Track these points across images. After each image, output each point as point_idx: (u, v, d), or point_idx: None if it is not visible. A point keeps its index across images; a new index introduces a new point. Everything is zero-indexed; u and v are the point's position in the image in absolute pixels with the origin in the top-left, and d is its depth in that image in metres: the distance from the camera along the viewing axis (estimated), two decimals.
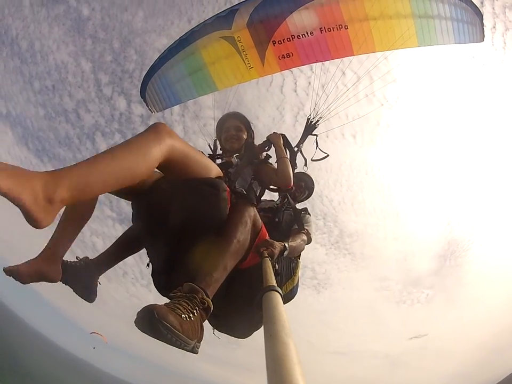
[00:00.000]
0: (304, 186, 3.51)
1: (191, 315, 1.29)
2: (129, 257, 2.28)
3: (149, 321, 1.15)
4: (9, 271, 1.69)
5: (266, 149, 2.90)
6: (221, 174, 1.86)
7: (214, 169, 1.81)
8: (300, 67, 4.38)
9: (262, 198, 2.92)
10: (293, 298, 2.63)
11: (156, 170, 1.55)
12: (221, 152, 3.05)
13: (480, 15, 3.94)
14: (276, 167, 2.71)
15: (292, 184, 2.62)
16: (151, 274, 2.01)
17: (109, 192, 2.02)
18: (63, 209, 1.26)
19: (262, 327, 0.85)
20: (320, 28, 3.87)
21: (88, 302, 2.12)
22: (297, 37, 3.94)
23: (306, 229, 2.77)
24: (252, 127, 3.09)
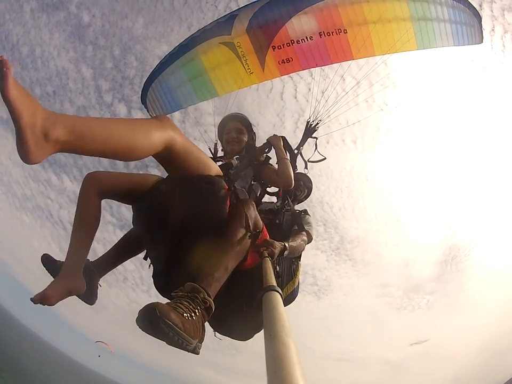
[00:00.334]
0: (303, 185, 3.52)
1: (192, 314, 1.28)
2: (129, 262, 2.28)
3: (151, 319, 1.14)
4: (38, 300, 1.65)
5: (266, 150, 2.92)
6: (221, 173, 1.86)
7: (213, 168, 1.81)
8: (299, 73, 4.40)
9: (262, 200, 2.93)
10: (294, 300, 2.63)
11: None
12: (222, 154, 3.05)
13: (478, 17, 3.96)
14: (276, 168, 2.72)
15: (293, 185, 2.63)
16: (152, 276, 2.01)
17: (110, 198, 2.03)
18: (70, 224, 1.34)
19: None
20: (320, 33, 3.88)
21: (89, 304, 2.11)
22: (297, 42, 3.96)
23: (307, 230, 2.78)
24: (253, 128, 3.10)
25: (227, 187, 1.81)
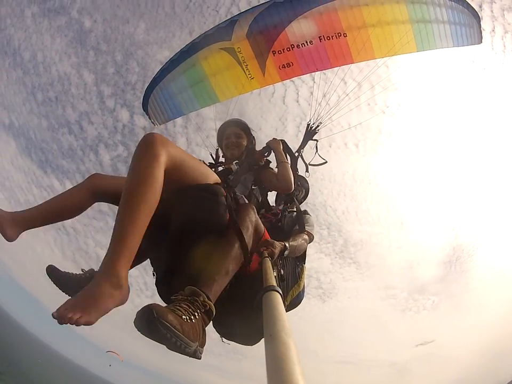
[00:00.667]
0: (300, 185, 3.52)
1: (192, 317, 1.27)
2: (133, 269, 2.28)
3: (148, 320, 1.12)
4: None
5: (266, 154, 2.93)
6: (219, 181, 1.87)
7: (211, 176, 1.82)
8: (301, 77, 4.42)
9: (265, 203, 2.94)
10: (299, 303, 2.61)
11: None
12: (223, 160, 3.07)
13: (477, 17, 3.97)
14: (276, 172, 2.73)
15: (293, 189, 2.64)
16: (155, 284, 2.02)
17: (109, 202, 2.05)
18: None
19: None
20: (319, 37, 3.91)
21: None
22: (297, 46, 3.99)
23: (307, 230, 2.79)
24: (252, 133, 3.12)
25: (226, 194, 1.82)
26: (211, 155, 3.21)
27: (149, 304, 1.17)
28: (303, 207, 3.40)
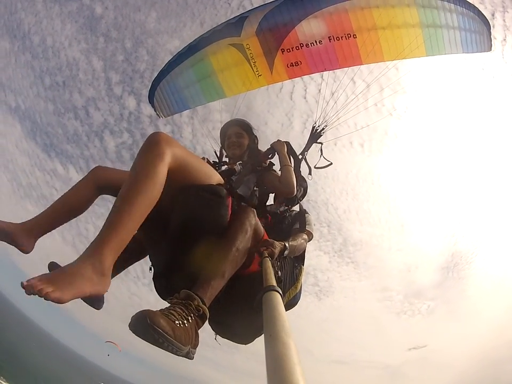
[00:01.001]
0: (299, 184, 3.52)
1: (185, 321, 1.30)
2: None
3: (141, 325, 1.16)
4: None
5: (270, 156, 2.93)
6: (222, 182, 1.87)
7: (214, 177, 1.83)
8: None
9: (266, 204, 2.93)
10: (295, 305, 2.62)
11: None
12: (227, 159, 3.10)
13: (487, 24, 3.94)
14: (279, 174, 2.73)
15: (295, 193, 2.64)
16: (152, 279, 2.03)
17: (112, 195, 2.05)
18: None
19: None
20: (329, 37, 3.89)
21: (96, 309, 2.08)
22: (306, 46, 3.97)
23: (307, 230, 2.79)
24: (254, 131, 3.13)
25: (229, 196, 1.84)
26: (215, 153, 3.23)
27: (143, 310, 1.20)
28: (302, 205, 3.40)
